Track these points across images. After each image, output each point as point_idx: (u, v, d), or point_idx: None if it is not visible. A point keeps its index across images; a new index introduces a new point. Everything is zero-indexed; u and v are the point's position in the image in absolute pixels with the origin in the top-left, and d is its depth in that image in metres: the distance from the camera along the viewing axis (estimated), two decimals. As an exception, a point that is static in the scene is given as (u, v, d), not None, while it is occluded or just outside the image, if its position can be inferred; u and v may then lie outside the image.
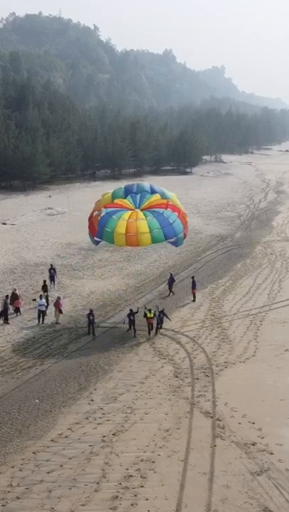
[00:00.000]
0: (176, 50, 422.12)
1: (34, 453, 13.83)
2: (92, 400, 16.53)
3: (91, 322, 21.96)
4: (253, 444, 14.07)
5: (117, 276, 30.35)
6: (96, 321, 22.26)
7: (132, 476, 12.84)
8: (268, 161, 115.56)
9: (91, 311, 22.21)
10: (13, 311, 23.82)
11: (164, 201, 21.55)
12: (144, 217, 20.57)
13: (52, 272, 28.04)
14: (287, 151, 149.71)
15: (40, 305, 23.29)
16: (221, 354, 19.98)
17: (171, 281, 27.35)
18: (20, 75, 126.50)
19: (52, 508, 11.77)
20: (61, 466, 13.27)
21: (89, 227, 22.16)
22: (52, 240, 38.26)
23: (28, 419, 15.54)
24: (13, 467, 13.25)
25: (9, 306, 23.61)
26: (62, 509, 11.71)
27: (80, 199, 57.58)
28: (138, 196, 21.65)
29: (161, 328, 22.24)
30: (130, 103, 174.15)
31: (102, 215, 21.03)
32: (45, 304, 23.46)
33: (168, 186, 73.68)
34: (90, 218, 22.03)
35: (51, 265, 29.14)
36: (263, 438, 14.36)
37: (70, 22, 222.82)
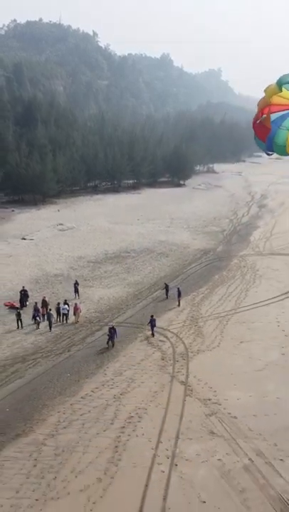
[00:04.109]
0: (173, 51, 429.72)
1: (71, 404, 21.97)
2: (105, 374, 24.68)
3: (111, 337, 27.33)
4: (209, 399, 22.19)
5: (119, 285, 38.46)
6: (106, 320, 30.16)
7: (132, 416, 20.95)
8: (258, 171, 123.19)
9: (112, 327, 27.85)
10: (40, 317, 30.74)
11: None
12: None
13: (76, 286, 35.93)
14: (277, 158, 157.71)
15: (63, 308, 31.47)
16: (196, 345, 28.07)
17: (178, 292, 34.48)
18: (23, 86, 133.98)
19: (85, 432, 19.90)
20: (89, 411, 21.41)
21: (256, 134, 18.51)
22: (65, 254, 46.30)
23: (64, 385, 23.69)
24: (58, 412, 21.39)
25: (39, 310, 31.60)
26: (92, 432, 19.86)
27: (85, 213, 65.72)
28: None
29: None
30: (128, 109, 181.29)
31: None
32: (68, 309, 31.61)
33: (164, 201, 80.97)
34: (254, 124, 18.49)
35: (76, 280, 36.78)
36: (216, 396, 22.49)
37: (69, 28, 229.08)
